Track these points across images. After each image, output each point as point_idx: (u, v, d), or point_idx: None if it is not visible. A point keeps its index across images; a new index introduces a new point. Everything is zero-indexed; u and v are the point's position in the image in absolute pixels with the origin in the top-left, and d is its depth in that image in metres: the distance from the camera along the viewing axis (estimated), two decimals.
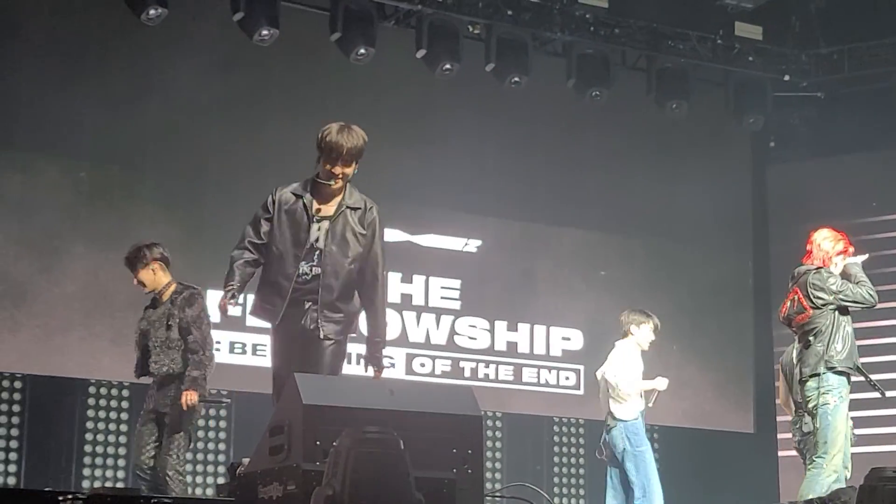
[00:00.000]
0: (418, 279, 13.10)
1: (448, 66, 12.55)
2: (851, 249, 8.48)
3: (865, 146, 14.00)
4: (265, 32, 11.80)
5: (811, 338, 8.15)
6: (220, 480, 11.92)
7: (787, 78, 14.19)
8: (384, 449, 4.59)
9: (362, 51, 12.25)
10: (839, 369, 8.03)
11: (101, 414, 12.02)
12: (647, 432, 14.02)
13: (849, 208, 13.77)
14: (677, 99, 13.57)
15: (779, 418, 12.97)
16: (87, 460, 11.88)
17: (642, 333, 10.07)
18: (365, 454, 4.56)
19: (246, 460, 5.89)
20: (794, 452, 9.29)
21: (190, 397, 8.30)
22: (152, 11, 11.35)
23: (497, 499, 8.38)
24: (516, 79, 12.86)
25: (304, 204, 6.66)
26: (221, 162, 12.21)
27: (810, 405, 8.09)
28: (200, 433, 12.07)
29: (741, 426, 13.88)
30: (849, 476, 8.36)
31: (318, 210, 6.66)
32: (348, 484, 4.51)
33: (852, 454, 8.69)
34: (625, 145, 13.88)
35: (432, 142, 12.90)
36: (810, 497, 7.52)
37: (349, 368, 12.36)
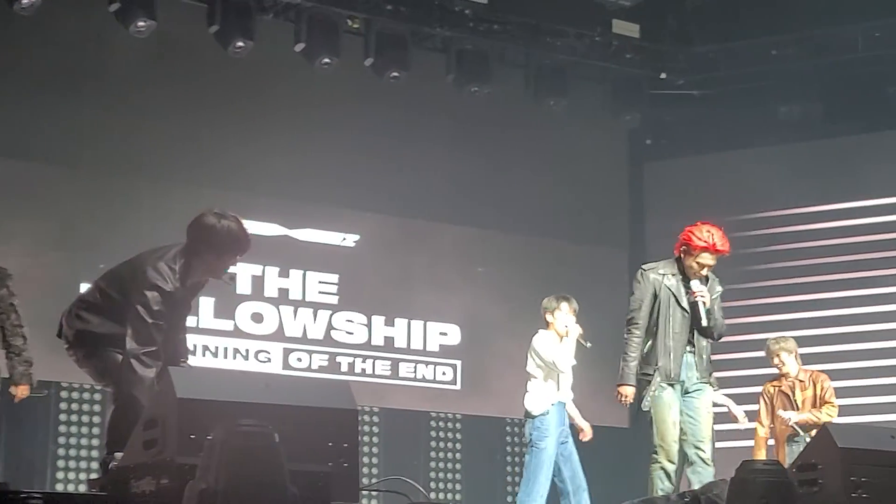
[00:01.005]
0: (295, 274, 13.03)
1: (327, 60, 12.50)
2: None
3: (740, 143, 14.21)
4: (141, 24, 11.64)
5: None
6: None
7: (663, 76, 14.35)
8: (258, 442, 4.53)
9: (240, 44, 12.15)
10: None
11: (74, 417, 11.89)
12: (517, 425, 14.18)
13: (723, 205, 13.95)
14: (556, 96, 13.67)
15: None
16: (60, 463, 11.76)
17: (558, 321, 9.96)
18: (239, 447, 4.50)
19: (119, 455, 5.80)
20: None
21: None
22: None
23: (373, 492, 8.35)
24: (395, 74, 12.85)
25: None
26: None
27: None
28: (96, 430, 11.95)
29: (617, 421, 13.98)
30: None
31: None
32: (222, 477, 4.45)
33: (722, 448, 8.87)
34: (504, 142, 13.92)
35: (311, 136, 12.84)
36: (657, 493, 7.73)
37: (219, 362, 12.39)
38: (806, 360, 10.71)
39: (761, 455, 10.23)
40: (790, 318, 13.52)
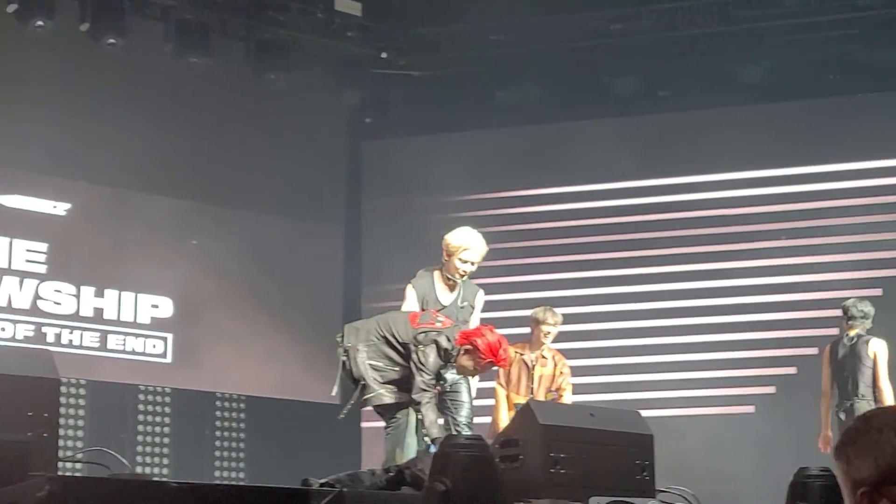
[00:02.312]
0: (2, 241, 12.62)
1: (40, 22, 12.13)
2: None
3: (457, 126, 14.42)
4: None
5: None
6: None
7: (384, 55, 14.43)
8: None
9: None
10: None
11: None
12: (234, 401, 14.14)
13: (441, 186, 14.17)
14: (276, 70, 13.60)
15: None
16: None
17: None
18: None
19: None
20: (376, 423, 9.43)
21: None
22: None
23: (77, 464, 8.15)
24: (112, 41, 12.56)
25: None
26: None
27: None
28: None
29: (328, 397, 14.04)
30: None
31: None
32: None
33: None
34: (222, 114, 13.77)
35: (22, 102, 12.42)
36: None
37: None
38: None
39: (502, 415, 10.18)
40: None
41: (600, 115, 14.17)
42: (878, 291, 13.14)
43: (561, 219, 14.34)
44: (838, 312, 13.07)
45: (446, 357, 8.16)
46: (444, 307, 8.78)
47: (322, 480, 6.17)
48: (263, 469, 13.18)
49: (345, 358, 8.40)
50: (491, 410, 10.34)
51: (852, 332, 10.62)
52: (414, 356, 8.18)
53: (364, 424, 12.97)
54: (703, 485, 7.64)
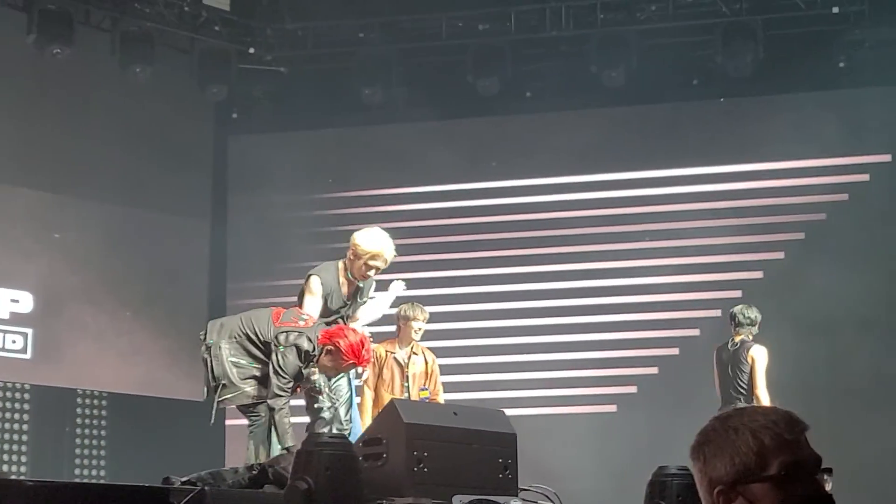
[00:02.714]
0: None
1: None
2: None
3: (324, 123, 14.39)
4: None
5: None
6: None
7: (252, 51, 14.35)
8: None
9: None
10: None
11: None
12: (96, 398, 13.94)
13: (307, 183, 14.14)
14: (142, 63, 13.43)
15: None
16: None
17: None
18: None
19: None
20: (240, 421, 9.39)
21: None
22: None
23: None
24: None
25: None
26: None
27: None
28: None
29: (192, 394, 13.93)
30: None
31: None
32: None
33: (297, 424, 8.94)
34: (87, 106, 13.58)
35: None
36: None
37: None
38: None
39: (367, 418, 10.08)
40: None
41: (466, 114, 14.25)
42: (737, 293, 13.41)
43: (427, 217, 14.38)
44: (700, 314, 13.38)
45: (307, 359, 8.12)
46: (347, 304, 8.76)
47: (184, 479, 6.13)
48: (125, 467, 13.03)
49: (206, 356, 8.32)
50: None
51: (737, 338, 10.80)
52: (273, 357, 8.11)
53: (228, 422, 12.84)
54: (566, 483, 7.73)
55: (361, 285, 8.83)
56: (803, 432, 2.61)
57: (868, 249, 13.12)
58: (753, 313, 10.85)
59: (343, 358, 8.10)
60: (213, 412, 8.36)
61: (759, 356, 10.68)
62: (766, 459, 2.56)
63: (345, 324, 8.60)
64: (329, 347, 8.10)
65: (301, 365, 8.11)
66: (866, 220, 13.22)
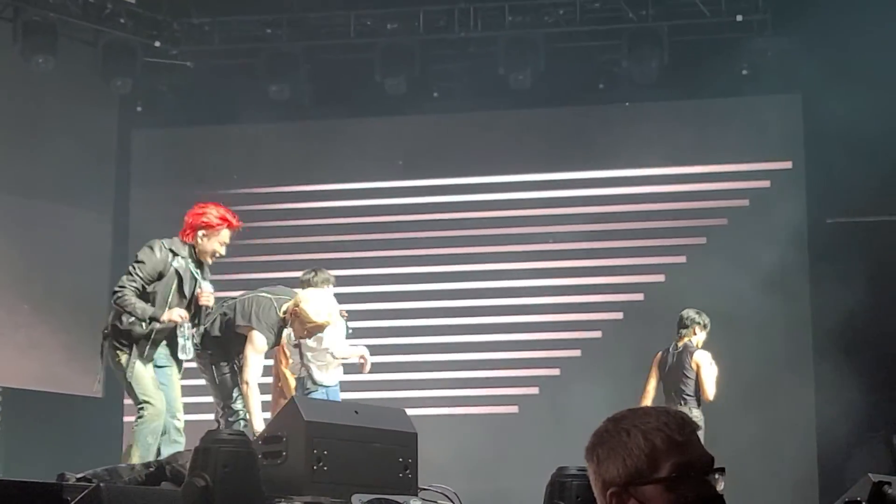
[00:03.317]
0: None
1: None
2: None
3: (230, 118, 14.31)
4: None
5: None
6: None
7: (158, 44, 14.21)
8: None
9: None
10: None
11: None
12: None
13: (211, 178, 14.04)
14: (44, 53, 13.25)
15: None
16: None
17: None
18: None
19: None
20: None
21: None
22: None
23: None
24: None
25: None
26: None
27: None
28: None
29: (90, 391, 13.77)
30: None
31: None
32: None
33: (193, 421, 8.88)
34: None
35: None
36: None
37: None
38: None
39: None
40: None
41: (372, 113, 14.24)
42: (639, 296, 13.54)
43: (331, 216, 14.35)
44: (602, 316, 13.47)
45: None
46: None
47: (79, 475, 6.06)
48: (20, 463, 12.82)
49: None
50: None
51: (680, 343, 10.80)
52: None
53: (126, 419, 12.77)
54: (466, 483, 7.74)
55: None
56: (694, 433, 2.64)
57: (769, 254, 13.29)
58: (701, 318, 10.78)
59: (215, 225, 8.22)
60: (99, 378, 8.39)
61: (703, 360, 10.63)
62: (658, 461, 2.59)
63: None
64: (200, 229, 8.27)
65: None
66: (767, 226, 13.40)
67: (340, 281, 13.87)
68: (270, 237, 14.07)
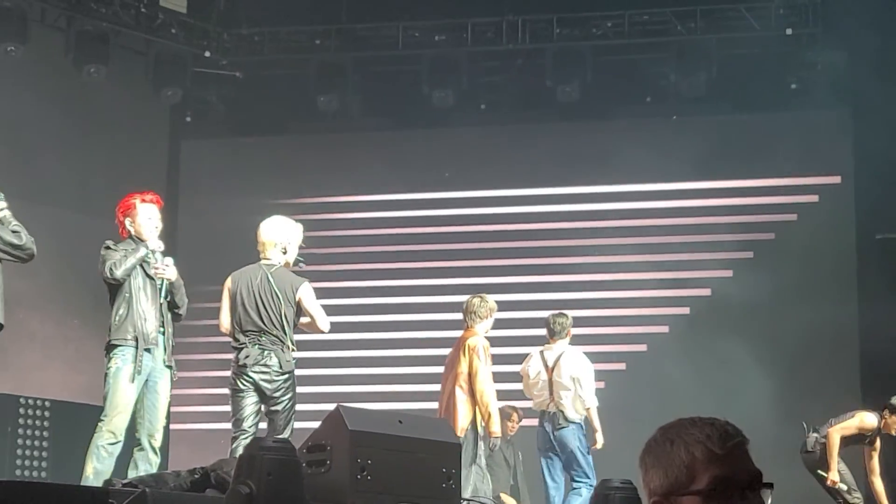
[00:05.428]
0: None
1: None
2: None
3: (278, 129, 14.37)
4: None
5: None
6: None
7: (207, 54, 14.30)
8: None
9: None
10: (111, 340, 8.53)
11: None
12: (39, 408, 13.74)
13: (258, 188, 14.08)
14: (97, 63, 13.35)
15: None
16: None
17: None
18: None
19: None
20: (181, 426, 9.39)
21: None
22: None
23: None
24: None
25: None
26: None
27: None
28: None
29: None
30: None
31: None
32: None
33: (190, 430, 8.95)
34: (41, 107, 13.42)
35: None
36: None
37: None
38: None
39: None
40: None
41: (420, 125, 14.27)
42: (685, 310, 13.48)
43: (380, 226, 14.38)
44: (646, 329, 13.41)
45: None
46: None
47: (125, 481, 6.10)
48: (67, 472, 12.88)
49: None
50: None
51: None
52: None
53: (172, 426, 12.83)
54: None
55: None
56: (739, 447, 2.63)
57: (816, 269, 13.22)
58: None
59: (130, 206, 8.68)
60: None
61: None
62: (696, 473, 2.59)
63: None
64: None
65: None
66: (815, 241, 13.32)
67: (391, 292, 13.98)
68: (317, 247, 14.09)
